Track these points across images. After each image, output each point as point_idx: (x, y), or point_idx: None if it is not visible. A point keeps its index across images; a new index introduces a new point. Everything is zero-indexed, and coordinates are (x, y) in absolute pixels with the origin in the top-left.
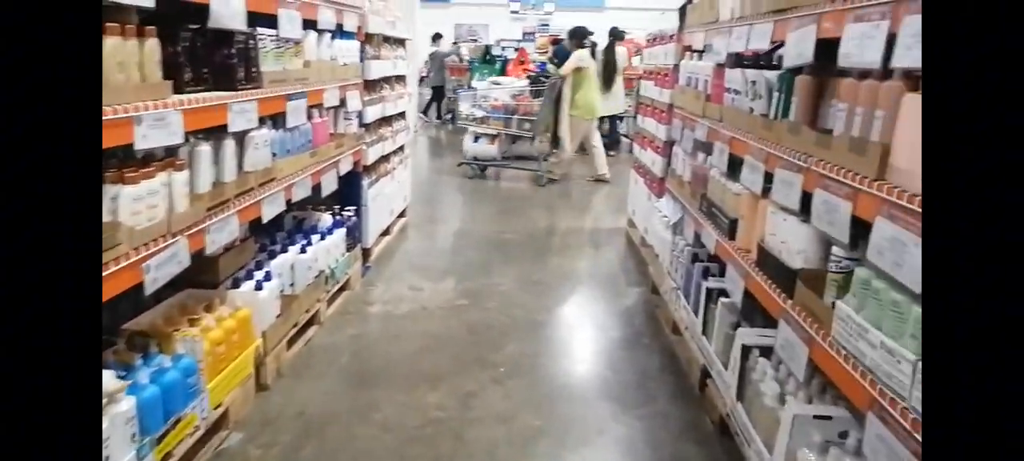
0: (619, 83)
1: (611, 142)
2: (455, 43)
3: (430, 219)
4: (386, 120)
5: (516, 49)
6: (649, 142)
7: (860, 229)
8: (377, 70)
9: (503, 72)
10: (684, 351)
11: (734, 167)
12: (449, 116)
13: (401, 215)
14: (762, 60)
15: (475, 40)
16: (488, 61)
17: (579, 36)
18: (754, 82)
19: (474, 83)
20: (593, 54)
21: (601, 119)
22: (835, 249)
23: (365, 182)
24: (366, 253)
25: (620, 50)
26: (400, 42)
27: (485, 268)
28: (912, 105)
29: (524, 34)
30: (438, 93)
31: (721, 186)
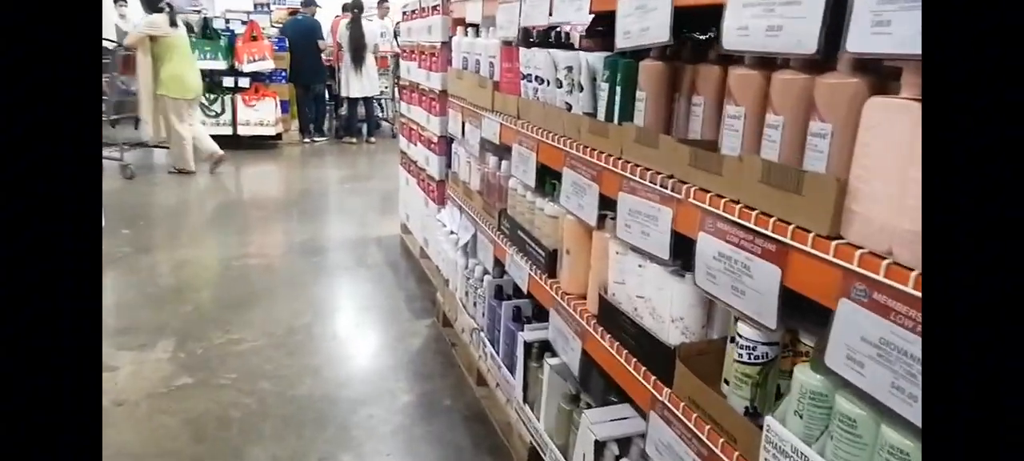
0: (370, 61)
1: (368, 127)
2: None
3: (144, 247)
4: None
5: (245, 22)
6: (419, 135)
7: (790, 295)
8: None
9: (231, 50)
10: (498, 413)
11: (544, 178)
12: None
13: None
14: (565, 36)
15: (198, 11)
16: (209, 36)
17: (152, 1)
18: (569, 68)
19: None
20: (173, 21)
21: (354, 101)
22: (743, 327)
23: None
24: None
25: (369, 25)
26: None
27: (215, 318)
28: (883, 116)
29: (256, 5)
30: None
31: (528, 205)
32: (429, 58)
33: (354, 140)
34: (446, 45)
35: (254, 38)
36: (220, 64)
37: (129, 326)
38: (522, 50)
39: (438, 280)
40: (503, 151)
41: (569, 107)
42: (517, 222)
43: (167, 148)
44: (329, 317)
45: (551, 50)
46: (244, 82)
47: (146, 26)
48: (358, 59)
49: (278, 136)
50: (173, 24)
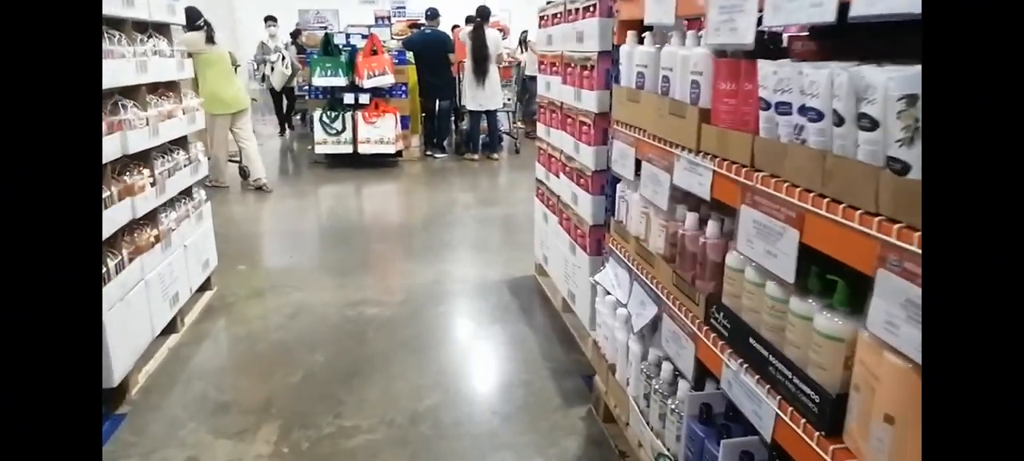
0: (494, 72)
1: (488, 143)
2: (297, 32)
3: (256, 290)
4: (140, 159)
5: (364, 36)
6: (562, 166)
7: None
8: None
9: (352, 65)
10: None
11: (807, 268)
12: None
13: (204, 287)
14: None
15: (324, 27)
16: (330, 53)
17: (191, 18)
18: (907, 98)
19: (316, 80)
20: (210, 38)
21: (476, 114)
22: None
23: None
24: (118, 392)
25: (491, 33)
26: (158, 29)
27: (327, 392)
28: None
29: (377, 18)
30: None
31: (773, 304)
32: (579, 72)
33: (476, 156)
34: (607, 56)
35: (374, 52)
36: (340, 81)
37: (231, 401)
38: (765, 65)
39: (594, 355)
40: (713, 208)
41: (900, 168)
42: (746, 324)
43: (238, 162)
44: (461, 399)
45: (848, 66)
46: (364, 98)
47: (184, 44)
48: (481, 70)
49: (398, 153)
50: (210, 40)
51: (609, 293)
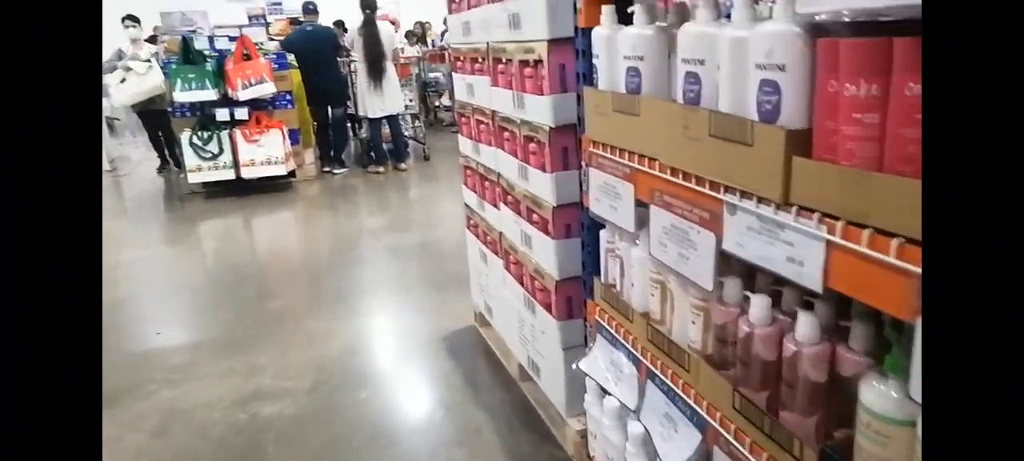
0: (391, 72)
1: (394, 152)
2: (152, 37)
3: (106, 395)
4: None
5: (233, 39)
6: (503, 194)
7: None
8: None
9: (222, 74)
10: None
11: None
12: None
13: None
14: None
15: (192, 31)
16: (191, 61)
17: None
18: None
19: (179, 95)
20: None
21: (376, 121)
22: None
23: None
24: None
25: (384, 27)
26: None
27: None
28: None
29: (250, 18)
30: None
31: None
32: (519, 71)
33: (381, 168)
34: (562, 46)
35: (247, 57)
36: (209, 94)
37: None
38: None
39: (578, 454)
40: (798, 295)
41: None
42: None
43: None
44: None
45: None
46: (242, 113)
47: None
48: (376, 71)
49: (291, 174)
50: None
51: (607, 392)
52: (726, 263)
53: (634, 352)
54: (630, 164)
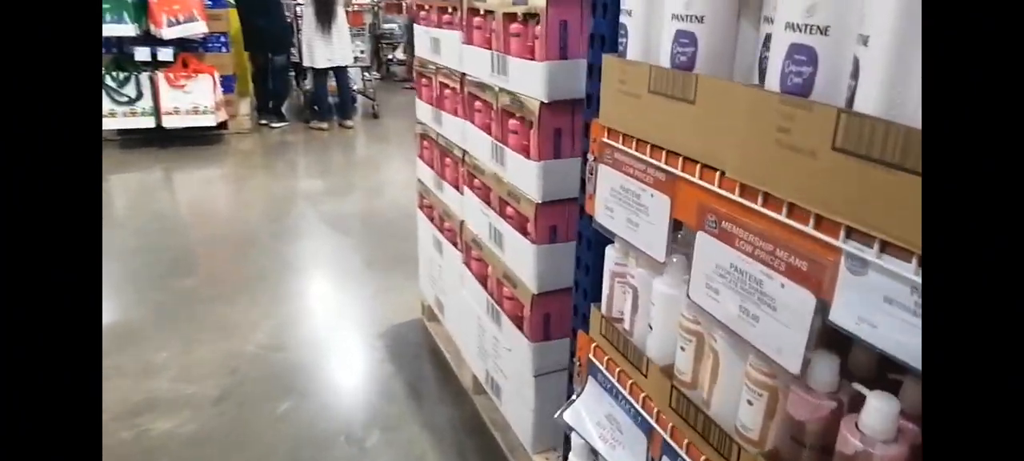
0: (342, 19)
1: (341, 107)
2: None
3: None
4: None
5: None
6: (468, 176)
7: None
8: None
9: (144, 6)
10: None
11: None
12: None
13: None
14: None
15: None
16: None
17: None
18: None
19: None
20: None
21: (322, 73)
22: None
23: None
24: None
25: None
26: None
27: None
28: None
29: None
30: None
31: None
32: (503, 27)
33: (325, 125)
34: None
35: None
36: (127, 29)
37: None
38: None
39: None
40: None
41: None
42: None
43: None
44: None
45: None
46: (166, 54)
47: None
48: (325, 16)
49: (222, 125)
50: None
51: (597, 453)
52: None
53: (645, 415)
54: (668, 169)
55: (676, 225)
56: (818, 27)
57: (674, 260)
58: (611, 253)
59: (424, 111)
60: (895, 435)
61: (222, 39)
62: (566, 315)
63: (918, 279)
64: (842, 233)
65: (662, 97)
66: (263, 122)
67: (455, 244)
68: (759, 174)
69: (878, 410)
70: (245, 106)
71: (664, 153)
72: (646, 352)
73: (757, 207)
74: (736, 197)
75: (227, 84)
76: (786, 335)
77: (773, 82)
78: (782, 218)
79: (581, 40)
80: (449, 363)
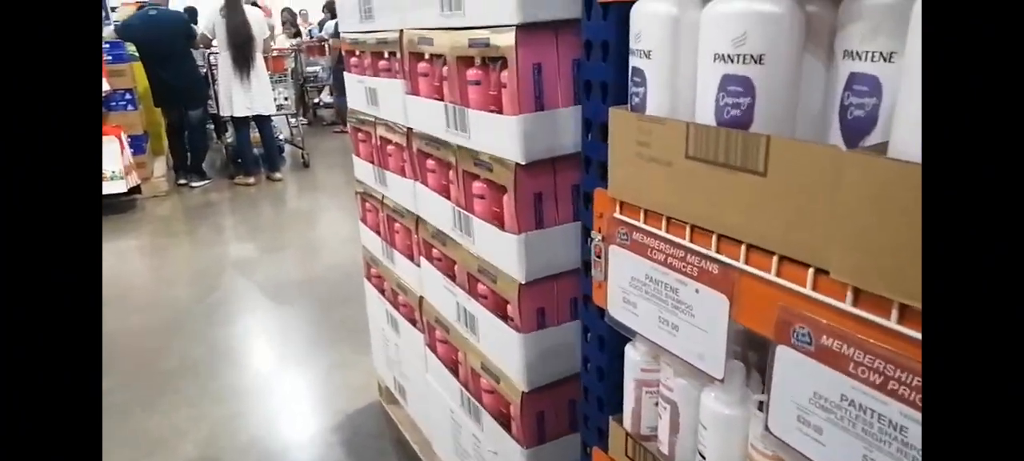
0: (261, 65)
1: (267, 159)
2: None
3: None
4: None
5: None
6: (425, 246)
7: None
8: None
9: None
10: None
11: None
12: None
13: None
14: None
15: None
16: None
17: None
18: None
19: None
20: None
21: (243, 122)
22: None
23: None
24: None
25: (253, 11)
26: None
27: None
28: None
29: None
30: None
31: None
32: (459, 75)
33: (251, 179)
34: (537, 37)
35: None
36: None
37: None
38: None
39: None
40: None
41: None
42: None
43: None
44: None
45: None
46: None
47: None
48: (243, 61)
49: (134, 190)
50: None
51: None
52: None
53: None
54: (722, 259)
55: (738, 327)
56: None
57: (735, 376)
58: (634, 356)
59: (364, 169)
60: None
61: (127, 96)
62: (562, 410)
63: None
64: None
65: (708, 165)
66: (182, 182)
67: (414, 323)
68: (878, 267)
69: None
70: (160, 166)
71: (714, 238)
72: None
73: (885, 322)
74: (848, 307)
75: (137, 144)
76: None
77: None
78: (912, 334)
79: (558, 84)
80: (418, 455)
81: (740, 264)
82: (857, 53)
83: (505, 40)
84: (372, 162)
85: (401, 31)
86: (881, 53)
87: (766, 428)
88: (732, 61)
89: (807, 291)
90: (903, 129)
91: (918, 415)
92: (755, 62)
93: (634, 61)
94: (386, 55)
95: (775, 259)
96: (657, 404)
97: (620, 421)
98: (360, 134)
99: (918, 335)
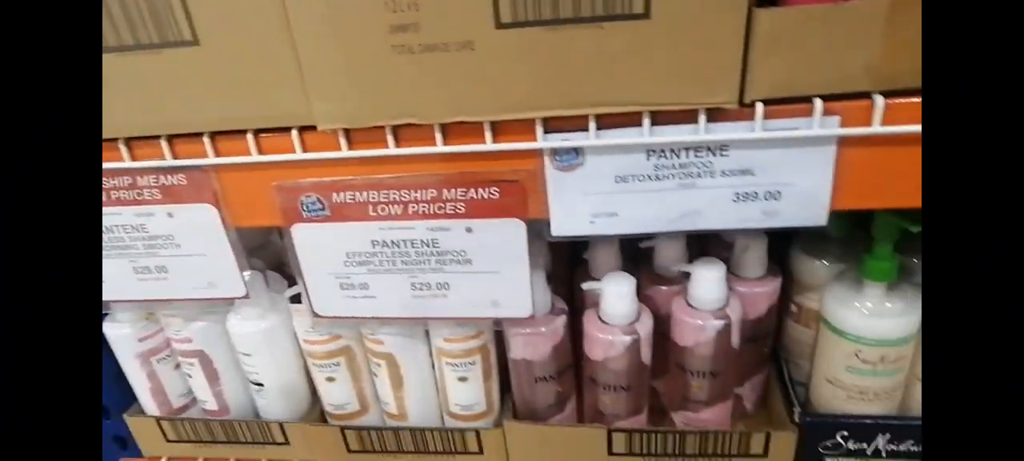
0: None
1: None
2: None
3: None
4: None
5: None
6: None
7: None
8: None
9: None
10: None
11: None
12: None
13: None
14: None
15: None
16: None
17: None
18: None
19: None
20: None
21: None
22: None
23: None
24: None
25: None
26: None
27: None
28: None
29: None
30: None
31: None
32: None
33: None
34: None
35: None
36: None
37: None
38: None
39: None
40: None
41: None
42: None
43: None
44: None
45: None
46: None
47: None
48: None
49: None
50: None
51: None
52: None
53: None
54: (187, 164)
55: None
56: None
57: (246, 276)
58: (119, 331)
59: None
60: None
61: None
62: None
63: (652, 138)
64: (537, 127)
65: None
66: None
67: None
68: (379, 104)
69: (707, 279)
70: None
71: (164, 142)
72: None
73: (383, 151)
74: (346, 154)
75: None
76: (499, 284)
77: None
78: (438, 149)
79: None
80: None
81: (211, 160)
82: None
83: None
84: None
85: None
86: None
87: (313, 314)
88: None
89: (298, 155)
90: None
91: (441, 222)
92: None
93: None
94: None
95: (251, 136)
96: (179, 366)
97: (140, 411)
98: None
99: (420, 150)
